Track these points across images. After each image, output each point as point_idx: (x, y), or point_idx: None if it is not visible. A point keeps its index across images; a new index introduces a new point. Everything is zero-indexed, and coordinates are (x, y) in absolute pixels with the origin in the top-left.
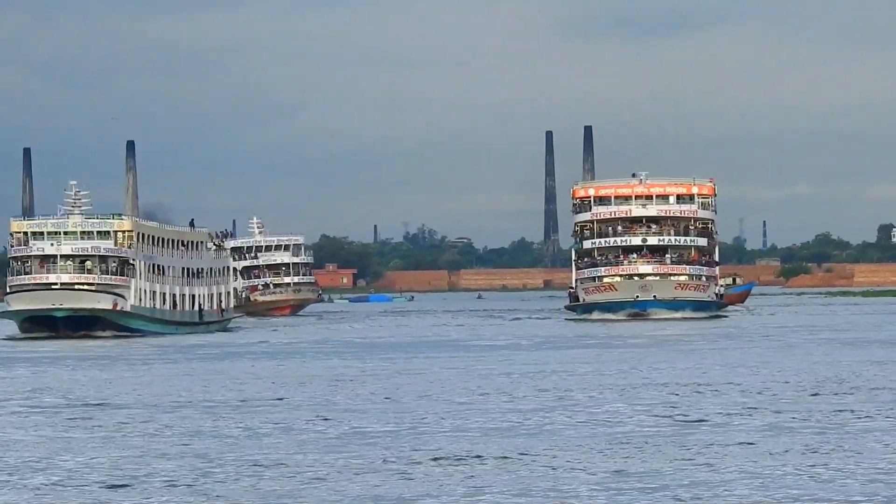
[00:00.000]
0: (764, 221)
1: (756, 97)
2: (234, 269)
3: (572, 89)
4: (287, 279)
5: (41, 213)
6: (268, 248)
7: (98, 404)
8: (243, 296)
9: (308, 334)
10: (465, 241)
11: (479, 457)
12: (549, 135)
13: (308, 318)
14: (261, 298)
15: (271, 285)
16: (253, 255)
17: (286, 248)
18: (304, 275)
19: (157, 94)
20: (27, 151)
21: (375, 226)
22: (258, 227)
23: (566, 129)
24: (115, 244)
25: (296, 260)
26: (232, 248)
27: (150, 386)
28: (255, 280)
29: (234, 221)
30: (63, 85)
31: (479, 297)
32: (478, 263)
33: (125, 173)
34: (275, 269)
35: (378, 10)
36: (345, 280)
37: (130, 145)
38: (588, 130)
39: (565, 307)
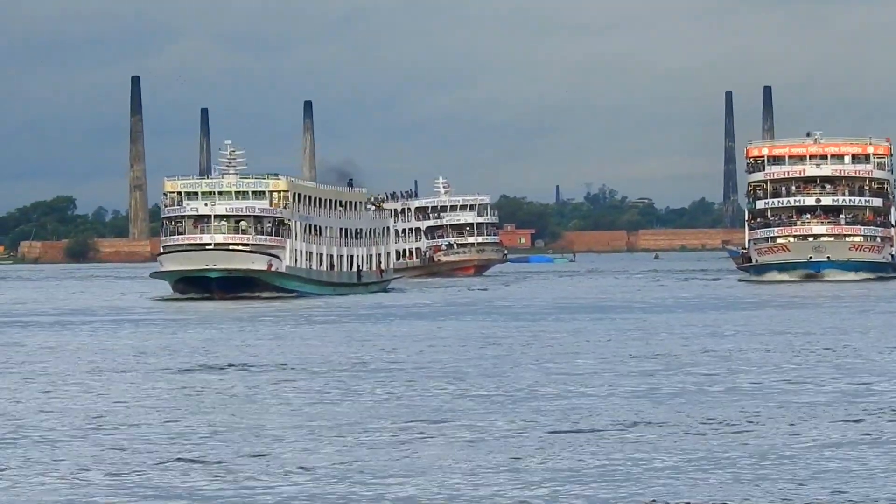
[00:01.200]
0: None
1: None
2: (419, 229)
3: (752, 51)
4: (471, 239)
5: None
6: (452, 209)
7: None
8: (427, 255)
9: (462, 296)
10: (646, 201)
11: None
12: (728, 95)
13: (479, 280)
14: (444, 258)
15: (455, 245)
16: (437, 214)
17: (471, 207)
18: (488, 234)
19: (337, 58)
20: (204, 112)
21: (557, 186)
22: (444, 187)
23: (746, 90)
24: (271, 204)
25: (479, 220)
26: (416, 209)
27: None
28: (439, 240)
29: (415, 182)
30: (243, 51)
31: (657, 257)
32: (658, 224)
33: (302, 133)
34: (458, 228)
35: None
36: (523, 240)
37: (308, 106)
38: (767, 91)
39: (738, 267)
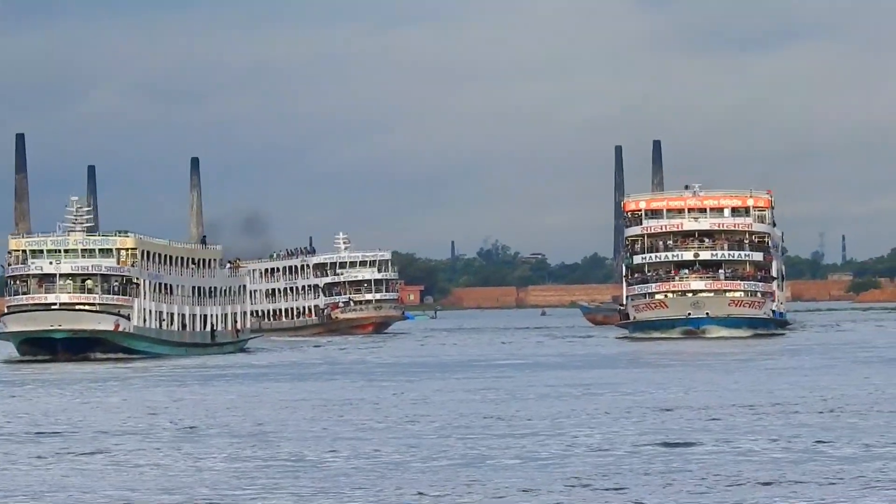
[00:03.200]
0: (843, 236)
1: (844, 109)
2: (317, 286)
3: (647, 104)
4: (368, 296)
5: (103, 230)
6: (352, 265)
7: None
8: (325, 313)
9: (317, 355)
10: (539, 256)
11: None
12: (618, 149)
13: (354, 339)
14: (342, 316)
15: (352, 302)
16: (335, 271)
17: (371, 263)
18: (387, 291)
19: (238, 113)
20: (91, 169)
21: (452, 241)
22: (344, 243)
23: (637, 143)
24: (118, 262)
25: (378, 276)
26: (314, 265)
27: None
28: (337, 297)
29: (310, 238)
30: (139, 105)
31: (543, 313)
32: (550, 279)
33: (189, 190)
34: (357, 285)
35: (456, 27)
36: (412, 297)
37: (195, 162)
38: (657, 144)
39: (616, 324)
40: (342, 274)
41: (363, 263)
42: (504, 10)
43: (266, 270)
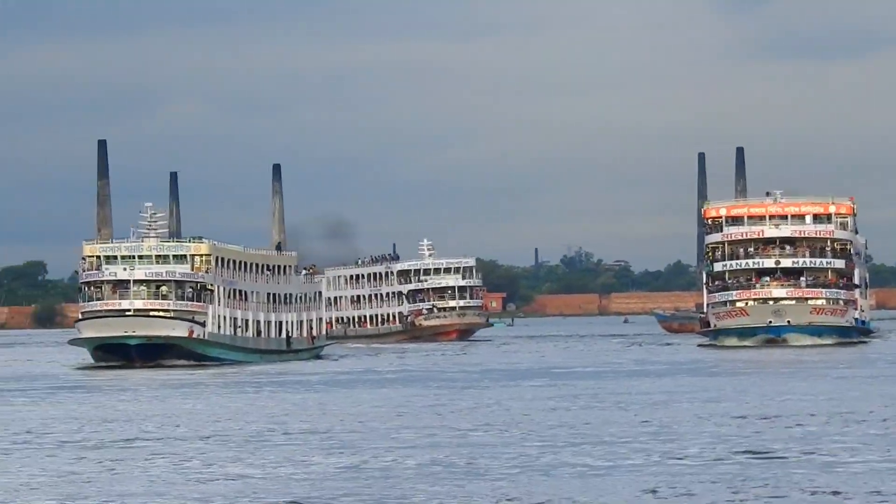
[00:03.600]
0: None
1: None
2: (401, 293)
3: (729, 111)
4: (452, 303)
5: (184, 237)
6: (436, 272)
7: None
8: (409, 320)
9: (391, 362)
10: (622, 263)
11: None
12: (700, 156)
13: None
14: (425, 323)
15: (436, 309)
16: (419, 278)
17: (455, 270)
18: (471, 298)
19: (318, 122)
20: (174, 175)
21: (536, 249)
22: (428, 250)
23: (718, 152)
24: (192, 268)
25: (462, 283)
26: (398, 272)
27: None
28: (420, 304)
29: (393, 245)
30: (221, 115)
31: (626, 321)
32: (633, 287)
33: (271, 196)
34: (440, 292)
35: (536, 38)
36: (494, 304)
37: (276, 168)
38: (740, 152)
39: (696, 331)
40: (426, 281)
41: (447, 270)
42: (584, 20)
43: (351, 277)
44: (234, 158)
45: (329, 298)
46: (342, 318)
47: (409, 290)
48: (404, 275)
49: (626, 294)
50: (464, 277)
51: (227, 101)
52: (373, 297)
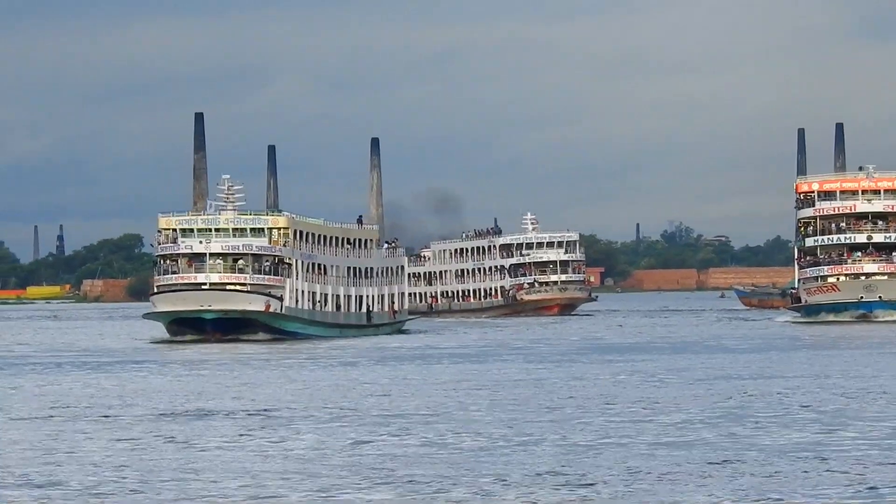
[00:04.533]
0: None
1: None
2: (503, 266)
3: (829, 89)
4: (554, 277)
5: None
6: (539, 245)
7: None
8: (510, 294)
9: (483, 339)
10: (723, 239)
11: None
12: (800, 132)
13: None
14: (526, 297)
15: (537, 283)
16: (521, 252)
17: (559, 244)
18: (573, 272)
19: (421, 99)
20: (272, 149)
21: (637, 224)
22: (531, 224)
23: (818, 128)
24: (270, 242)
25: (563, 257)
26: (501, 246)
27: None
28: (522, 279)
29: (495, 219)
30: (324, 91)
31: (722, 295)
32: (732, 262)
33: (369, 171)
34: (542, 266)
35: (641, 17)
36: (592, 279)
37: (375, 143)
38: (839, 128)
39: (785, 307)
40: (528, 255)
41: (550, 244)
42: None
43: (455, 251)
44: (334, 134)
45: (434, 272)
46: (447, 292)
47: (511, 265)
48: (506, 249)
49: (724, 269)
50: (566, 252)
51: (327, 78)
52: (476, 271)
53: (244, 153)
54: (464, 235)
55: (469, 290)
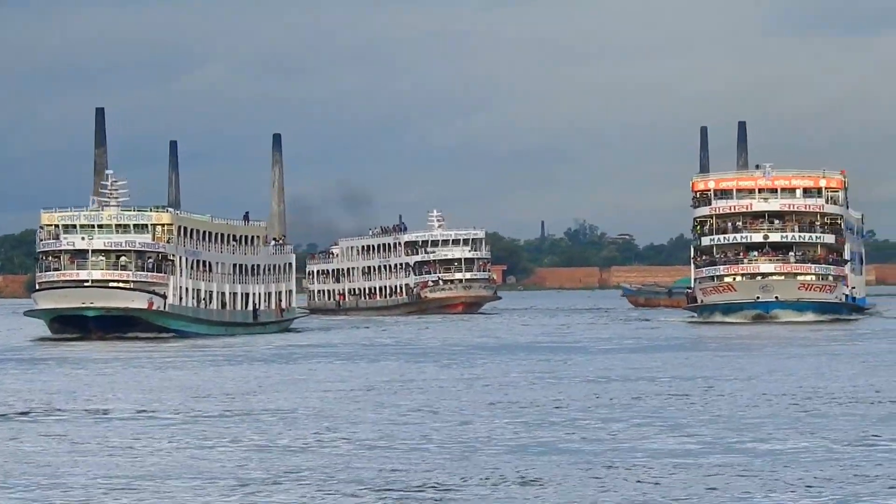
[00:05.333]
0: None
1: None
2: (407, 264)
3: (729, 85)
4: (458, 275)
5: (185, 208)
6: (444, 243)
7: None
8: (415, 292)
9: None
10: (627, 237)
11: None
12: (703, 130)
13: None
14: (430, 295)
15: (441, 281)
16: (427, 249)
17: (465, 242)
18: (478, 270)
19: (337, 90)
20: (173, 144)
21: (542, 222)
22: (438, 221)
23: (722, 126)
24: (153, 238)
25: (468, 255)
26: (406, 243)
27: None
28: (427, 276)
29: (399, 216)
30: (239, 82)
31: (623, 294)
32: (636, 260)
33: (270, 167)
34: (447, 264)
35: (558, 4)
36: (494, 276)
37: (277, 138)
38: (742, 126)
39: (683, 307)
40: (433, 252)
41: (455, 242)
42: None
43: (363, 248)
44: (239, 128)
45: (342, 270)
46: (354, 290)
47: (416, 262)
48: (412, 246)
49: (626, 267)
50: (472, 249)
51: (244, 68)
52: (381, 269)
53: (145, 147)
54: (370, 232)
55: (375, 288)
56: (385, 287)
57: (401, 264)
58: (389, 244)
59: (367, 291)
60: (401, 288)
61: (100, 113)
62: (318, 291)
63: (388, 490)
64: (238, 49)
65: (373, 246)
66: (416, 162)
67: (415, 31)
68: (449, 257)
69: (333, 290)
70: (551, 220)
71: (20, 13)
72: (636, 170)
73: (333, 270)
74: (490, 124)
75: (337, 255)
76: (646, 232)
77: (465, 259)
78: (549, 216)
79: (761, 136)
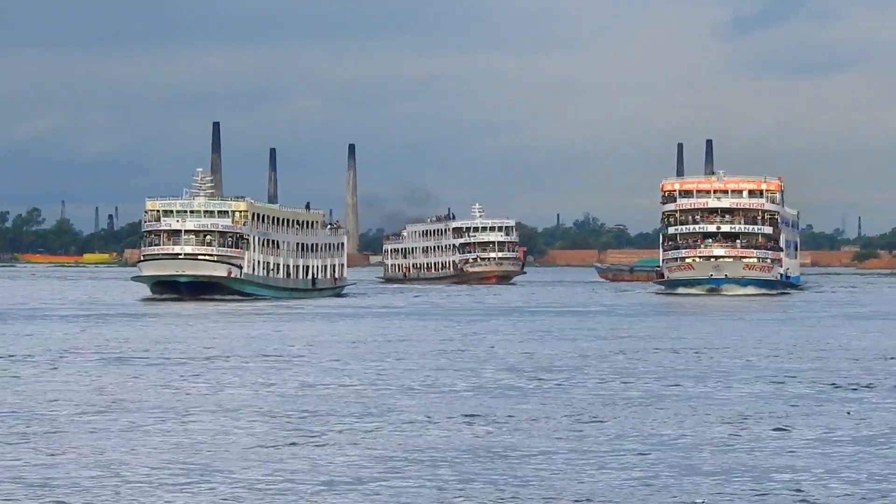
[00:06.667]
0: (859, 217)
1: (875, 120)
2: (454, 245)
3: (704, 114)
4: (492, 254)
5: (282, 201)
6: (483, 229)
7: None
8: (459, 267)
9: (405, 301)
10: (621, 227)
11: None
12: (679, 147)
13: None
14: (470, 269)
15: (479, 259)
16: (470, 234)
17: (500, 228)
18: (508, 251)
19: (403, 111)
20: (273, 151)
21: (558, 214)
22: (479, 212)
23: (694, 145)
24: (233, 222)
25: (501, 238)
26: (454, 229)
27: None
28: (468, 254)
29: (448, 209)
30: (325, 107)
31: (597, 272)
32: (628, 245)
33: (346, 170)
34: (484, 245)
35: (581, 52)
36: (520, 256)
37: (351, 148)
38: (709, 144)
39: (653, 281)
40: (474, 236)
41: (492, 228)
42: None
43: (422, 232)
44: (328, 139)
45: (408, 248)
46: (416, 264)
47: (461, 243)
48: (458, 231)
49: (619, 250)
50: (505, 234)
51: (325, 95)
52: (435, 248)
53: (252, 154)
54: (428, 220)
55: (431, 263)
56: (438, 262)
57: (449, 245)
58: (441, 229)
59: (424, 266)
60: (449, 263)
61: (216, 127)
62: (391, 265)
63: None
64: (326, 80)
65: (429, 230)
66: (463, 168)
67: (460, 68)
68: (486, 240)
69: (401, 265)
70: (564, 213)
71: (145, 51)
72: (630, 176)
73: (402, 249)
74: (519, 140)
75: (405, 237)
76: (637, 223)
77: (499, 242)
78: (563, 210)
79: (725, 151)
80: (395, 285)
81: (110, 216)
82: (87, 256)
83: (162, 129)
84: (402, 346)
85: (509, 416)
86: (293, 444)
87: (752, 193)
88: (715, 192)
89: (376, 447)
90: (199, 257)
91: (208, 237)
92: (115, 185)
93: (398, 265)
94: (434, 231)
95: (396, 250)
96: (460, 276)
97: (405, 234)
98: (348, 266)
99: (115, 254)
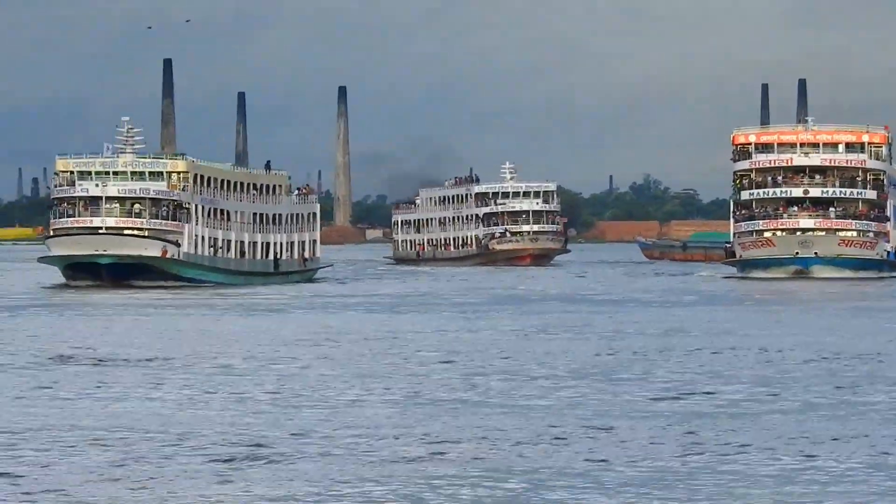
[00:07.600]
0: None
1: None
2: (476, 216)
3: (790, 46)
4: (526, 227)
5: (252, 161)
6: (514, 195)
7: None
8: (483, 244)
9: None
10: (690, 192)
11: None
12: (764, 87)
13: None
14: (498, 247)
15: (508, 233)
16: (497, 201)
17: (535, 194)
18: (546, 223)
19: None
20: (241, 96)
21: (611, 176)
22: (510, 173)
23: (782, 84)
24: (169, 186)
25: (537, 207)
26: (476, 194)
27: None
28: (495, 228)
29: (470, 168)
30: (307, 42)
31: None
32: (698, 215)
33: (336, 119)
34: (515, 216)
35: None
36: (561, 228)
37: (342, 91)
38: (802, 84)
39: (722, 262)
40: (503, 204)
41: (526, 194)
42: None
43: (439, 199)
44: (307, 83)
45: (422, 220)
46: (432, 240)
47: (485, 214)
48: (482, 197)
49: (686, 222)
50: (545, 202)
51: (311, 30)
52: (455, 220)
53: (213, 99)
54: (446, 183)
55: (449, 239)
56: (457, 238)
57: (471, 216)
58: (462, 195)
59: (442, 242)
60: (471, 239)
61: (167, 64)
62: (402, 241)
63: None
64: (307, 10)
65: (448, 196)
66: (488, 118)
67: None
68: (518, 209)
69: (414, 241)
70: (619, 175)
71: None
72: (702, 128)
73: (415, 221)
74: (565, 84)
75: (419, 206)
76: (710, 187)
77: (534, 211)
78: (617, 171)
79: (821, 98)
80: (406, 267)
81: (35, 180)
82: (2, 231)
83: (104, 72)
84: (356, 352)
85: None
86: None
87: (850, 147)
88: (802, 145)
89: None
90: (125, 232)
91: (137, 206)
92: (44, 142)
93: (410, 241)
94: (453, 197)
95: (408, 223)
96: (485, 256)
97: (419, 200)
98: (338, 243)
99: (40, 228)
